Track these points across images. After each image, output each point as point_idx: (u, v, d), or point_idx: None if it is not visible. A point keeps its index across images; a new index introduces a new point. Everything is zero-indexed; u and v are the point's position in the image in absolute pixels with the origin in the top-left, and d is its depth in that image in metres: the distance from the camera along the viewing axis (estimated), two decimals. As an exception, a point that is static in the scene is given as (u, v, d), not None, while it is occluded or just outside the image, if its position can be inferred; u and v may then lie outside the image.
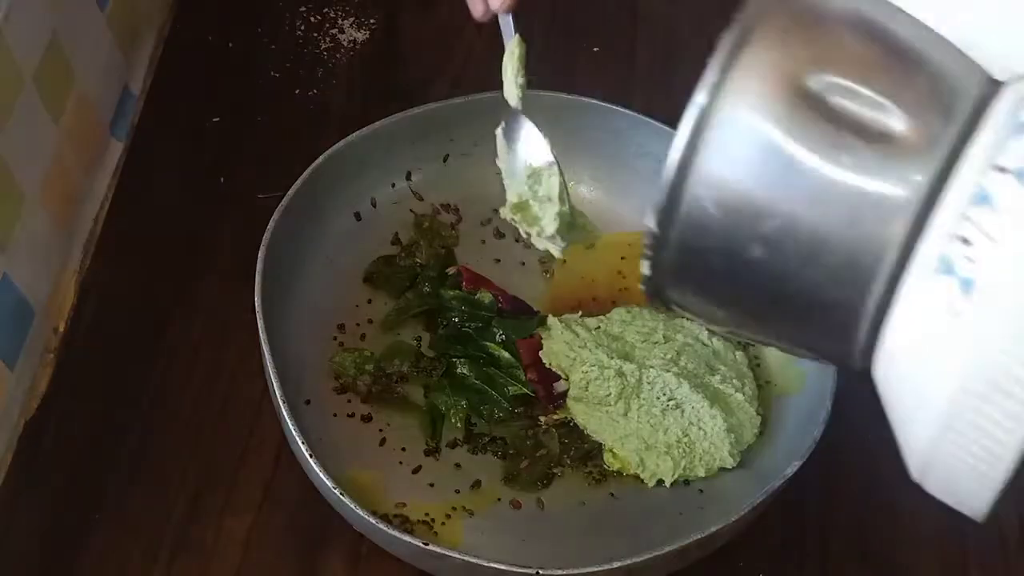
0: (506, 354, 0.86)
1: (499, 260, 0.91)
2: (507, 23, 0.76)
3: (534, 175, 0.78)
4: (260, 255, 0.81)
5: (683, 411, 0.82)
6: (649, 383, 0.83)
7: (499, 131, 0.80)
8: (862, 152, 0.50)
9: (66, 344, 0.88)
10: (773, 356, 0.86)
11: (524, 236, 0.81)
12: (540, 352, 0.86)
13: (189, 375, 0.87)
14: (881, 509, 0.84)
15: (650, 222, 0.53)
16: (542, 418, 0.84)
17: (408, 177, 0.92)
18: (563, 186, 0.78)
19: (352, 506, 0.73)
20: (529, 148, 0.79)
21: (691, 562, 0.77)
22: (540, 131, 0.78)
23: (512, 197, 0.80)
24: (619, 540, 0.78)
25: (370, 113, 0.95)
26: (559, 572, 0.71)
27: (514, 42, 0.76)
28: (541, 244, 0.80)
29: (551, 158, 0.78)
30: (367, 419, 0.83)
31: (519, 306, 0.89)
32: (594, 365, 0.84)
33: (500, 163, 0.81)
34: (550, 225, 0.78)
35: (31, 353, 0.86)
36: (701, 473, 0.81)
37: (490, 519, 0.80)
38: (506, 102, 0.78)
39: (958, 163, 0.49)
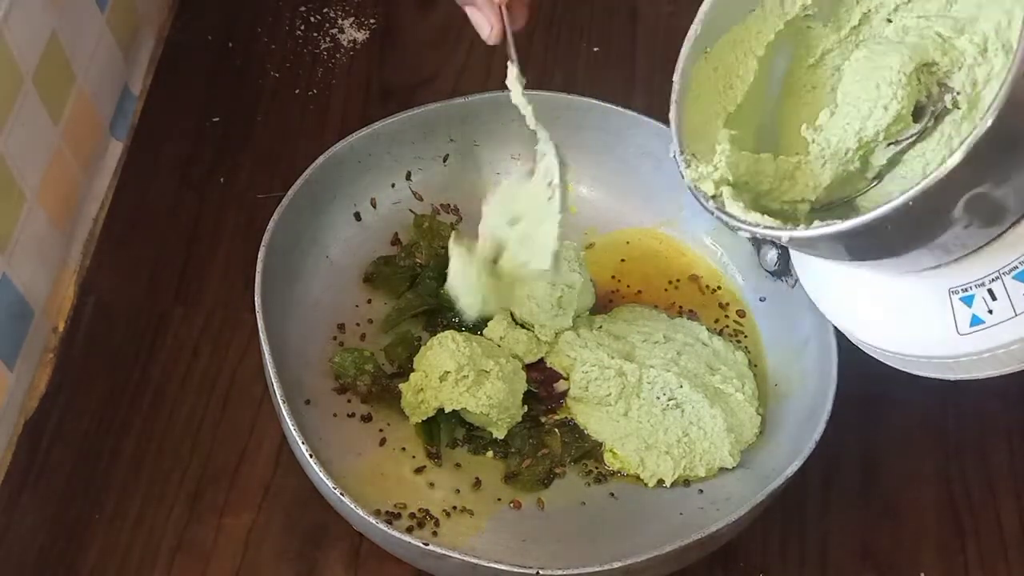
0: (506, 354, 0.86)
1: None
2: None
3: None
4: (260, 255, 0.80)
5: (683, 411, 0.82)
6: (649, 383, 0.83)
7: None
8: None
9: (65, 344, 0.88)
10: (773, 356, 0.87)
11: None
12: (541, 351, 0.86)
13: (189, 375, 0.87)
14: (881, 509, 0.84)
15: None
16: (543, 418, 0.84)
17: (408, 177, 0.92)
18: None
19: (352, 506, 0.73)
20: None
21: (691, 562, 0.76)
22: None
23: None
24: (619, 540, 0.78)
25: (370, 113, 0.95)
26: (559, 572, 0.71)
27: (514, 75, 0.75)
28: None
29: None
30: (367, 419, 0.83)
31: (519, 305, 0.88)
32: (595, 365, 0.84)
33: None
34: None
35: (30, 353, 0.86)
36: (701, 473, 0.81)
37: (490, 519, 0.80)
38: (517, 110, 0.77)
39: None
